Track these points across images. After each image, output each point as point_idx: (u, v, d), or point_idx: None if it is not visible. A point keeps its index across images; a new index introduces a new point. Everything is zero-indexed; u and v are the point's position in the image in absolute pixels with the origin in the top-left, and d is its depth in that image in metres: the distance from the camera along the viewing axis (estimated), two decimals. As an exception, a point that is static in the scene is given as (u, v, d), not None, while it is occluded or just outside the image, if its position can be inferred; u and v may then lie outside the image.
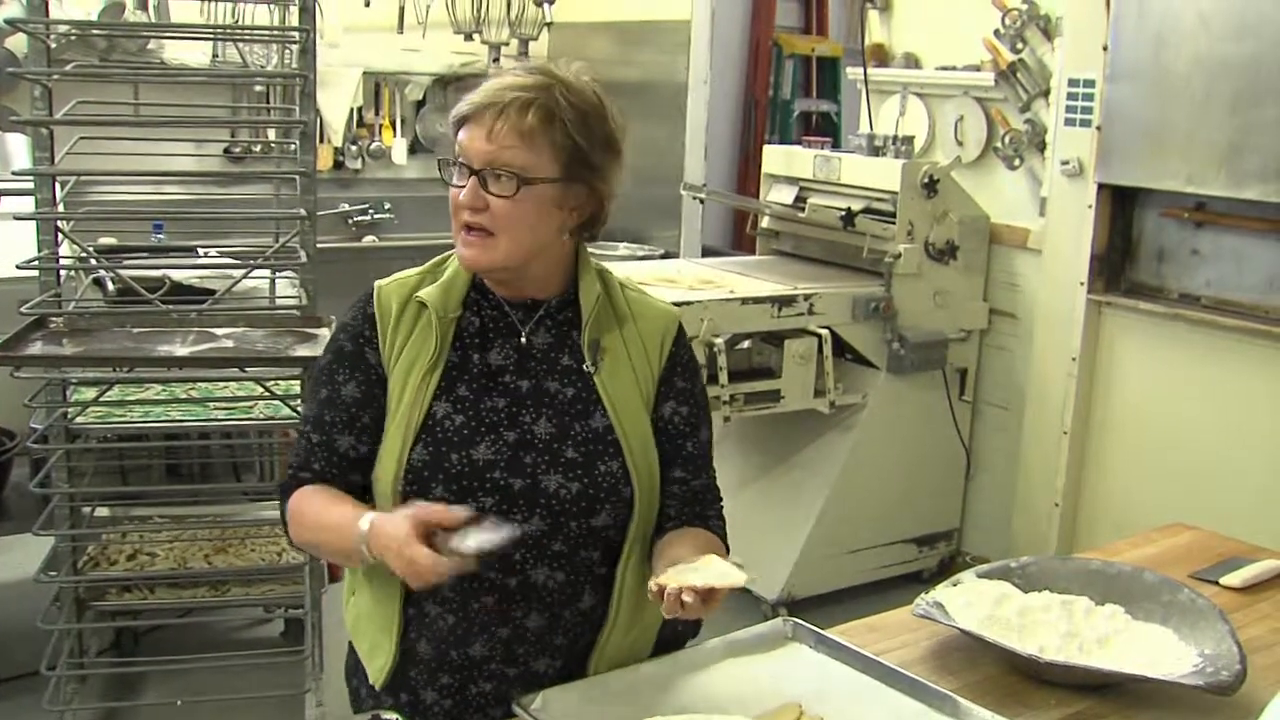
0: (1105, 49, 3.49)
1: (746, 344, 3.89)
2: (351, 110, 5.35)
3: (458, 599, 1.65)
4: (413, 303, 1.68)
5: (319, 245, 3.02)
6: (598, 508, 1.65)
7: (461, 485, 1.61)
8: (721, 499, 1.84)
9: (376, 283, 1.72)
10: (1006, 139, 4.10)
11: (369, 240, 5.42)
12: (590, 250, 1.77)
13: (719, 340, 3.53)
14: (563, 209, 1.64)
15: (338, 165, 5.40)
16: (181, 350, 2.72)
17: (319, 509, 1.64)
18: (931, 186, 3.90)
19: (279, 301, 3.53)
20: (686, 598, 1.46)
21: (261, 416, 3.19)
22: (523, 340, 1.69)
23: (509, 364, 1.68)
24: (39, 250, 2.87)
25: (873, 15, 4.60)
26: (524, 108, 1.58)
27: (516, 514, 1.62)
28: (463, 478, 1.61)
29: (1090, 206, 3.61)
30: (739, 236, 6.10)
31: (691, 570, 1.51)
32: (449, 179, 1.63)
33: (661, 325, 1.76)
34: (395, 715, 1.53)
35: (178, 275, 3.52)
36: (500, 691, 1.65)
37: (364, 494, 1.69)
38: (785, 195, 4.30)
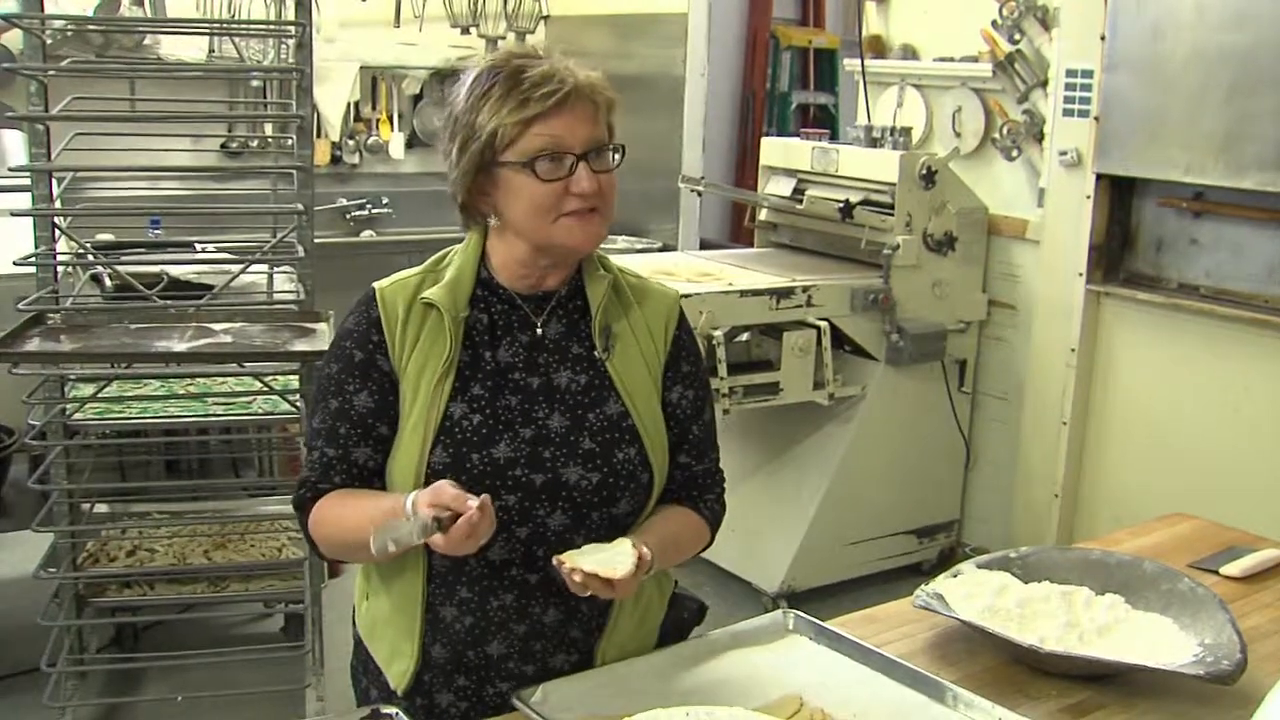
0: (1103, 39, 3.48)
1: (745, 336, 3.89)
2: (348, 105, 5.35)
3: (476, 599, 1.65)
4: (419, 304, 1.65)
5: (316, 240, 3.02)
6: (618, 495, 1.65)
7: (484, 485, 1.59)
8: (723, 481, 1.84)
9: (375, 285, 1.69)
10: (1004, 130, 4.09)
11: (367, 235, 5.42)
12: None
13: (717, 333, 3.53)
14: None
15: (335, 160, 5.39)
16: (179, 346, 2.72)
17: (352, 506, 1.61)
18: (929, 178, 3.90)
19: (277, 297, 3.53)
20: (576, 577, 1.48)
21: (260, 412, 3.19)
22: (538, 331, 1.68)
23: (518, 361, 1.67)
24: (36, 246, 2.86)
25: (870, 7, 4.60)
26: (602, 86, 1.62)
27: (540, 510, 1.62)
28: (485, 477, 1.60)
29: (1088, 197, 3.60)
30: (737, 229, 6.10)
31: (586, 554, 1.53)
32: (542, 174, 1.57)
33: (665, 308, 1.76)
34: (395, 709, 1.53)
35: (175, 271, 3.52)
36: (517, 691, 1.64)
37: None
38: (783, 187, 4.29)
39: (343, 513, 1.62)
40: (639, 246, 5.06)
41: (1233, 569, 2.09)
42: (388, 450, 1.65)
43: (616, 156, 1.64)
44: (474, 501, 1.43)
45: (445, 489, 1.46)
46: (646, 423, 1.68)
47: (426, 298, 1.65)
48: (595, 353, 1.69)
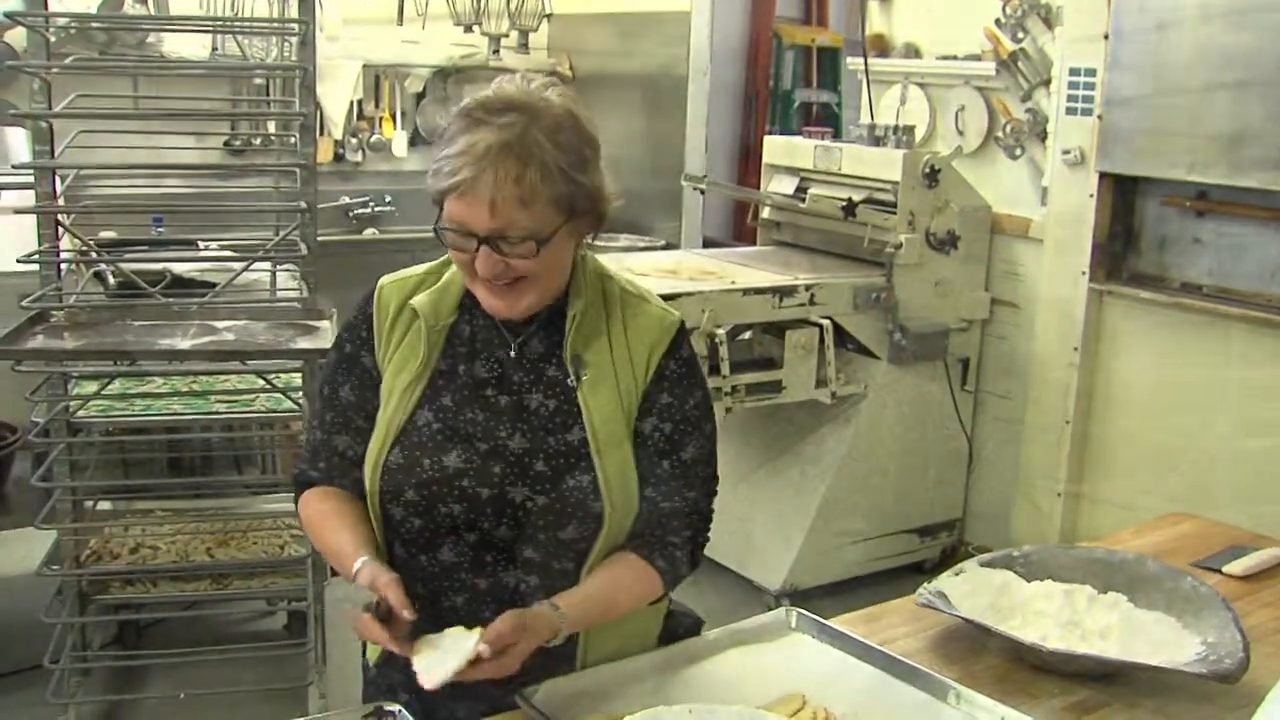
0: (1106, 38, 3.48)
1: (748, 335, 3.89)
2: (351, 103, 5.35)
3: (429, 598, 1.65)
4: (408, 307, 1.67)
5: (319, 238, 3.02)
6: (565, 521, 1.62)
7: (431, 490, 1.61)
8: (700, 523, 1.73)
9: (381, 279, 1.71)
10: (1008, 128, 4.09)
11: (369, 233, 5.42)
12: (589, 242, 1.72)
13: (720, 331, 3.53)
14: (573, 237, 1.61)
15: (338, 158, 5.39)
16: (183, 343, 2.72)
17: (323, 527, 1.68)
18: (932, 176, 3.90)
19: (280, 294, 3.53)
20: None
21: (263, 409, 3.20)
22: (512, 354, 1.66)
23: (492, 378, 1.66)
24: (39, 244, 2.87)
25: (873, 5, 4.60)
26: (517, 178, 1.48)
27: (484, 521, 1.62)
28: (433, 483, 1.61)
29: (1091, 195, 3.60)
30: (740, 227, 6.09)
31: (443, 638, 1.52)
32: (446, 242, 1.56)
33: (652, 337, 1.68)
34: (398, 707, 1.53)
35: (178, 268, 3.53)
36: (467, 689, 1.58)
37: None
38: (786, 186, 4.29)
39: (324, 524, 1.68)
40: (642, 245, 5.06)
41: (1235, 568, 2.09)
42: (366, 442, 1.68)
43: (534, 246, 1.51)
44: (409, 614, 1.48)
45: (394, 587, 1.50)
46: (606, 453, 1.62)
47: (413, 304, 1.66)
48: (568, 380, 1.65)
